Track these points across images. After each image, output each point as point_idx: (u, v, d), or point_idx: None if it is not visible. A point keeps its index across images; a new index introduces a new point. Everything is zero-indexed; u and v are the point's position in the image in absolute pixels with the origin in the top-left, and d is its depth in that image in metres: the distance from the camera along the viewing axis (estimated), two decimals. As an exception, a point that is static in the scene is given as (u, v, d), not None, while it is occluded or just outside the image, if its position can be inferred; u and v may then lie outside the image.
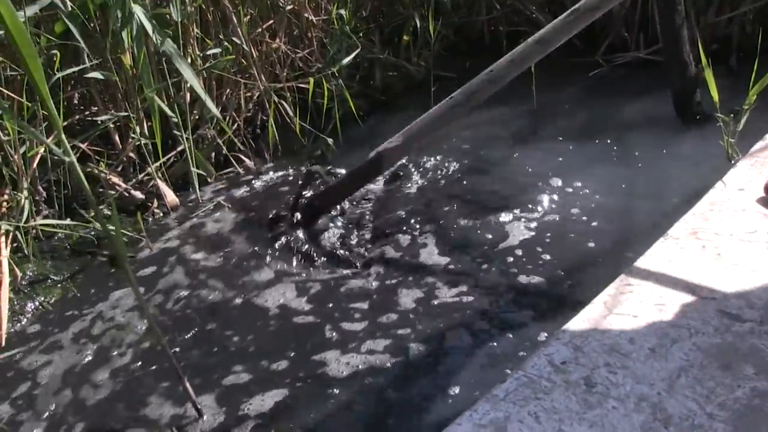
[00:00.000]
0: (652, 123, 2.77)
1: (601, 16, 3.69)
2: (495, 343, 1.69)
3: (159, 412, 1.59)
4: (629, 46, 3.54)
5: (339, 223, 2.31)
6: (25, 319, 1.97)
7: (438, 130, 2.26)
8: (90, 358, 1.80)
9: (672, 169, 2.44)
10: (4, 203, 2.31)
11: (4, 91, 2.09)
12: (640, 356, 1.35)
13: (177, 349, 1.79)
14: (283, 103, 2.81)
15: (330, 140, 2.77)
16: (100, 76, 2.25)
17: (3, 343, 1.87)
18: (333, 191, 2.35)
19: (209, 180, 2.69)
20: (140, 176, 2.56)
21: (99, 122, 2.53)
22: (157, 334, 1.55)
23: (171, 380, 1.68)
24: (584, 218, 2.21)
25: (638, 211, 2.20)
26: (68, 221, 2.29)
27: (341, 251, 2.17)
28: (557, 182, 2.43)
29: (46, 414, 1.61)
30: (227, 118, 2.79)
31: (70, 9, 2.11)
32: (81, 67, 2.23)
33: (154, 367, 1.74)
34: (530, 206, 2.30)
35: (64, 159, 1.30)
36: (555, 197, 2.34)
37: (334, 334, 1.79)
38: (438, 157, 2.73)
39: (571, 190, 2.38)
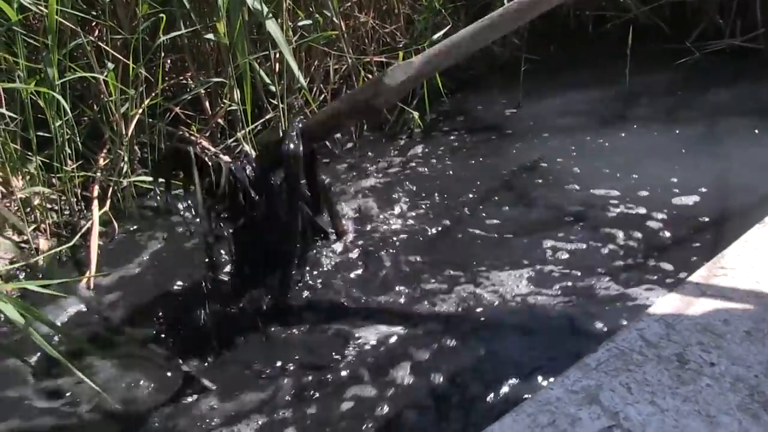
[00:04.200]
0: (748, 111, 2.69)
1: (695, 2, 3.61)
2: (585, 315, 1.70)
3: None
4: (723, 33, 3.42)
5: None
6: (119, 269, 2.07)
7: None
8: (175, 308, 1.89)
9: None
10: (102, 159, 2.43)
11: (111, 51, 2.19)
12: (735, 338, 1.32)
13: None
14: (370, 76, 2.85)
15: (416, 114, 2.79)
16: (213, 38, 2.34)
17: (92, 286, 1.97)
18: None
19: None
20: (228, 141, 2.63)
21: (189, 88, 2.63)
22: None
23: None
24: (672, 200, 2.17)
25: (731, 196, 2.15)
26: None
27: None
28: (646, 165, 2.40)
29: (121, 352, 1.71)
30: (314, 88, 2.85)
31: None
32: (190, 29, 2.32)
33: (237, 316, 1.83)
34: (617, 188, 2.28)
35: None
36: (643, 179, 2.32)
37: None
38: (529, 137, 2.75)
39: (660, 172, 2.35)
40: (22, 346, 1.67)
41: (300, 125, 1.82)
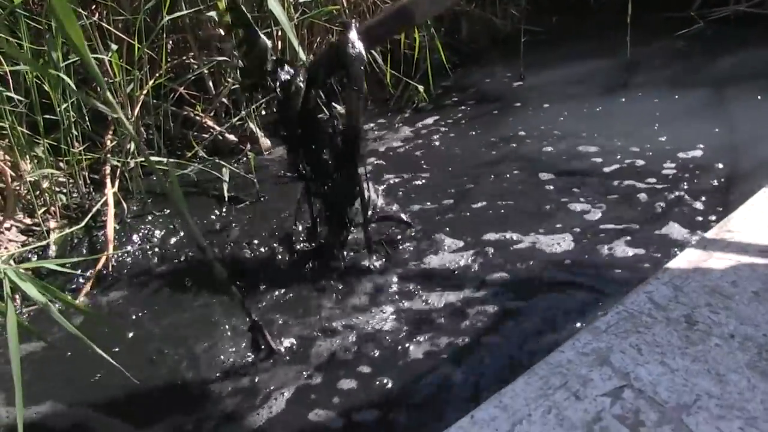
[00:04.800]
0: (752, 78, 2.68)
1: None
2: (595, 277, 1.71)
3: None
4: (728, 0, 3.40)
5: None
6: (131, 248, 2.09)
7: None
8: (185, 287, 1.91)
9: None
10: (108, 141, 2.43)
11: (113, 30, 2.19)
12: (744, 299, 1.34)
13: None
14: (373, 52, 2.84)
15: (421, 87, 2.80)
16: (215, 17, 2.33)
17: (110, 269, 1.99)
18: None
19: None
20: (233, 120, 2.64)
21: (193, 69, 2.62)
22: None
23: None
24: (677, 165, 2.18)
25: (737, 160, 2.15)
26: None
27: None
28: (649, 132, 2.40)
29: (135, 336, 1.72)
30: (317, 65, 2.84)
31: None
32: (193, 9, 2.31)
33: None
34: (620, 154, 2.29)
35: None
36: (646, 145, 2.32)
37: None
38: (531, 107, 2.73)
39: (664, 138, 2.36)
40: (44, 325, 1.69)
41: (358, 26, 1.74)
